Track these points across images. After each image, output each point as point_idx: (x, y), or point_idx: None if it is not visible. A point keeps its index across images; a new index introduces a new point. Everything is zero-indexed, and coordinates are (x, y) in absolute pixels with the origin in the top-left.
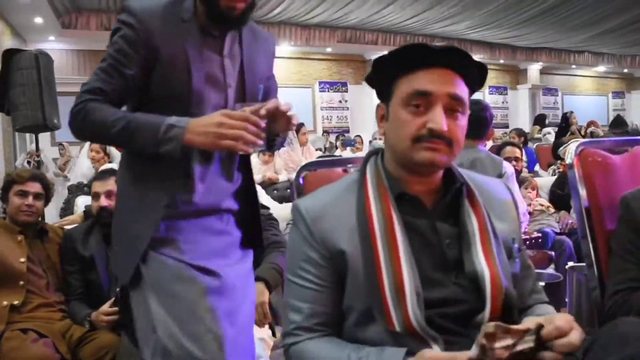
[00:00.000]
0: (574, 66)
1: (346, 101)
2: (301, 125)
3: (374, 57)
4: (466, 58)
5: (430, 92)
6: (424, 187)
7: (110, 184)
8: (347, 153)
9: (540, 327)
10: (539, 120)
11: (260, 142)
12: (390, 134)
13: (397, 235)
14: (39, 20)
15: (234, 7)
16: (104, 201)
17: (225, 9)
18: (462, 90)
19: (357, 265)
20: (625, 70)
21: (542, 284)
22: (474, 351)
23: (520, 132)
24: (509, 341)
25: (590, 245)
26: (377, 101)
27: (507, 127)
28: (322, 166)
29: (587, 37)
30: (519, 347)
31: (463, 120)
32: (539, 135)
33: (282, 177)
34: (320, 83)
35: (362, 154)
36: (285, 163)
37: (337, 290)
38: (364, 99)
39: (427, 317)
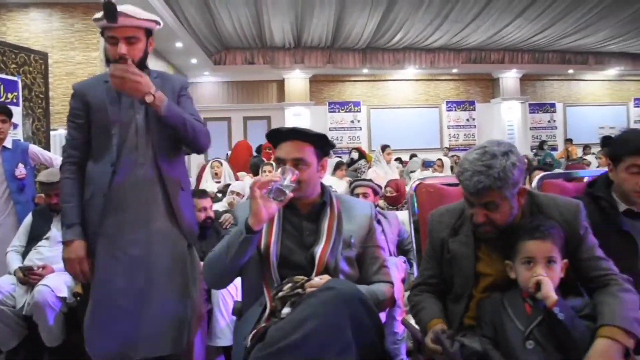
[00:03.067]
0: None
1: (474, 119)
2: (386, 146)
3: (501, 75)
4: (305, 134)
5: (282, 158)
6: (301, 202)
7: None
8: (427, 173)
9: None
10: None
11: None
12: None
13: (274, 225)
14: (194, 60)
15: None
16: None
17: None
18: (303, 153)
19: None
20: None
21: None
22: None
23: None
24: (289, 285)
25: (415, 254)
26: (505, 118)
27: None
28: None
29: None
30: (296, 291)
31: (307, 170)
32: None
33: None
34: (447, 102)
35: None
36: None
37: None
38: (492, 117)
39: (283, 273)
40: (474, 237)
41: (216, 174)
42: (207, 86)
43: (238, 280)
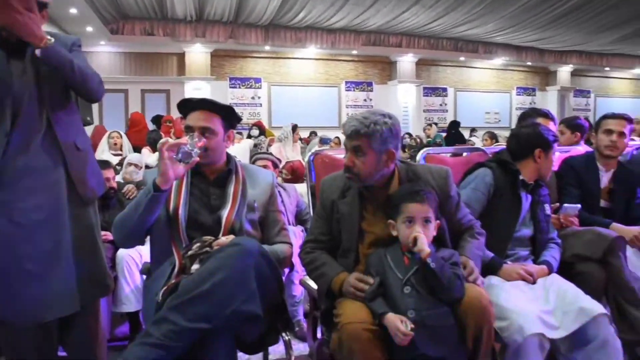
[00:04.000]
0: (607, 68)
1: (371, 99)
2: (296, 126)
3: (398, 59)
4: (214, 104)
5: (191, 126)
6: (209, 169)
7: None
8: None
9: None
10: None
11: None
12: None
13: (182, 189)
14: (89, 28)
15: (8, 38)
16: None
17: (5, 38)
18: (210, 122)
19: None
20: None
21: None
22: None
23: (492, 135)
24: (198, 244)
25: (312, 215)
26: (401, 100)
27: None
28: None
29: (616, 39)
30: (204, 250)
31: (213, 139)
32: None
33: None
34: (346, 83)
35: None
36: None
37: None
38: (389, 98)
39: (191, 234)
40: (360, 198)
41: (115, 144)
42: (103, 56)
43: (142, 248)
